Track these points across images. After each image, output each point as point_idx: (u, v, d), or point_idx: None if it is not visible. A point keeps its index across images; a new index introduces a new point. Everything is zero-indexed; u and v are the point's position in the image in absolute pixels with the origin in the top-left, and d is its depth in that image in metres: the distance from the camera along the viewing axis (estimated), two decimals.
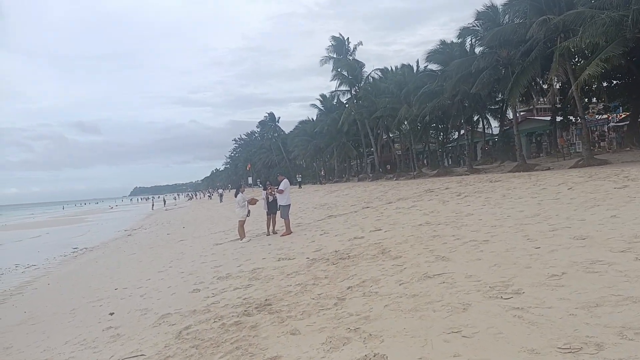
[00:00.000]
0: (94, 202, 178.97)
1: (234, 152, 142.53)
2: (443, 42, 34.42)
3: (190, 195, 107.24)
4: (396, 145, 58.00)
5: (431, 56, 34.64)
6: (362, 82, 50.68)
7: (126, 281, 9.40)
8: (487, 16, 28.92)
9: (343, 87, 52.63)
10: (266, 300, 5.51)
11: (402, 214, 11.23)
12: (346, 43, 52.21)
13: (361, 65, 51.70)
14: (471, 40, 31.98)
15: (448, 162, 48.33)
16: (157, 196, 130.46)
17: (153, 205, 65.87)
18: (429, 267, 5.46)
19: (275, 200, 12.52)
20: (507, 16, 29.17)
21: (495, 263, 5.09)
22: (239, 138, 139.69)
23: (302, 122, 72.11)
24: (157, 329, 5.33)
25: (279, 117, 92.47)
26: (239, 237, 12.88)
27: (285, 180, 11.95)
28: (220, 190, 51.63)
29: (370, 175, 51.32)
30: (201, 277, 8.01)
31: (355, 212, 13.96)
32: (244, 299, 5.81)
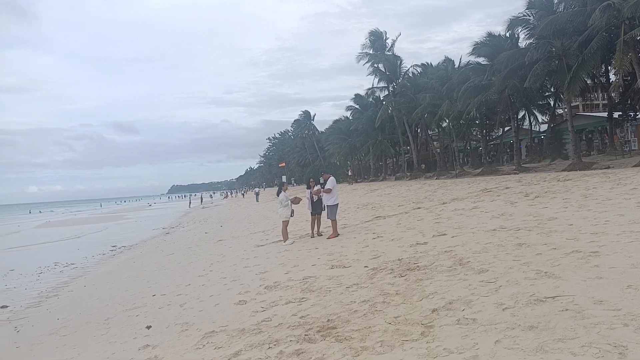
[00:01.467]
0: (134, 200, 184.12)
1: (268, 151, 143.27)
2: (490, 34, 32.69)
3: (225, 193, 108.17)
4: (434, 143, 56.20)
5: (477, 49, 32.97)
6: (401, 78, 49.21)
7: (164, 286, 8.70)
8: (540, 4, 27.10)
9: (380, 84, 51.34)
10: (328, 320, 4.58)
11: (464, 216, 10.07)
12: (384, 37, 50.80)
13: (399, 60, 50.22)
14: (519, 31, 30.20)
15: (490, 161, 46.26)
16: (194, 194, 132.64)
17: (190, 203, 66.55)
18: (533, 286, 4.37)
19: (320, 199, 11.61)
20: (562, 4, 27.28)
21: (629, 284, 3.96)
22: (272, 137, 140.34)
23: (337, 121, 71.10)
24: (201, 352, 4.48)
25: (314, 115, 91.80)
26: (281, 239, 12.07)
27: (332, 179, 11.02)
28: (256, 189, 50.66)
29: (408, 174, 49.75)
30: (246, 285, 7.17)
31: (406, 213, 12.88)
32: (300, 317, 4.90)
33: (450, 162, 49.65)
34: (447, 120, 41.74)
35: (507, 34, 31.42)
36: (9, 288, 11.45)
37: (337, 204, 10.98)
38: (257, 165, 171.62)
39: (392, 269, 6.24)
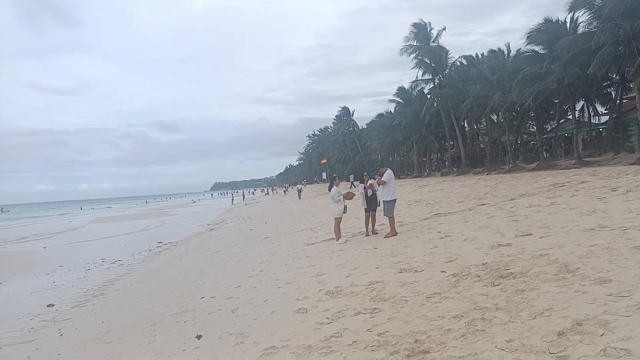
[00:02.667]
0: (178, 197, 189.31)
1: (308, 148, 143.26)
2: (547, 20, 30.48)
3: (266, 190, 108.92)
4: (480, 137, 53.88)
5: (532, 36, 30.84)
6: (447, 70, 47.28)
7: (213, 287, 8.08)
8: None
9: (425, 76, 49.60)
10: (416, 341, 3.70)
11: (544, 213, 8.88)
12: (428, 29, 49.08)
13: (445, 51, 48.31)
14: (580, 14, 27.96)
15: (545, 155, 43.67)
16: (235, 191, 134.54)
17: (233, 199, 67.17)
18: None
19: (374, 195, 10.72)
20: None
21: None
22: (312, 134, 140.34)
23: (379, 116, 69.59)
24: None
25: (353, 111, 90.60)
26: (333, 237, 11.26)
27: (389, 171, 10.08)
28: (299, 186, 49.75)
29: (455, 169, 47.82)
30: (303, 289, 6.39)
31: (470, 209, 11.74)
32: (378, 335, 4.05)
33: (499, 157, 47.36)
34: (499, 113, 39.66)
35: (565, 19, 29.29)
36: (57, 285, 11.26)
37: (395, 200, 10.04)
38: (297, 163, 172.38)
39: (479, 276, 5.27)
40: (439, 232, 9.08)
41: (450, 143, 52.47)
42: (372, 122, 76.15)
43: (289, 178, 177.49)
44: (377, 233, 10.68)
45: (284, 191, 78.81)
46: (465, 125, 53.12)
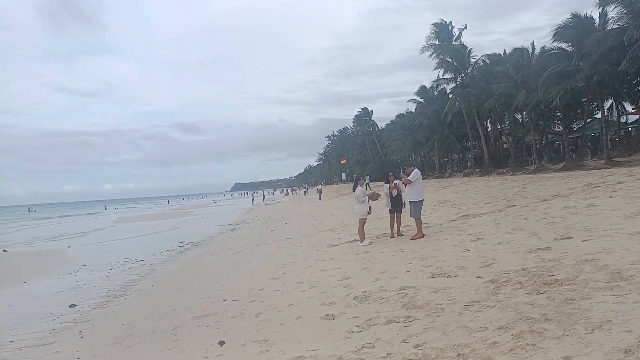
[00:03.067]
0: (200, 197, 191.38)
1: (327, 149, 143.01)
2: (575, 16, 29.52)
3: (286, 190, 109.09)
4: (503, 137, 52.75)
5: (560, 33, 29.94)
6: (470, 69, 46.39)
7: (235, 289, 7.87)
8: None
9: (447, 75, 48.84)
10: (459, 355, 3.38)
11: (582, 214, 8.39)
12: (449, 28, 48.36)
13: (468, 50, 47.43)
14: (611, 9, 26.94)
15: (572, 155, 42.50)
16: (255, 191, 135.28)
17: (253, 200, 67.44)
18: None
19: (399, 195, 10.36)
20: None
21: None
22: (332, 134, 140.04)
23: (399, 116, 68.91)
24: None
25: (372, 111, 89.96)
26: (357, 239, 10.96)
27: (417, 171, 9.71)
28: (319, 187, 49.19)
29: (477, 170, 46.87)
30: (329, 294, 6.11)
31: (500, 211, 11.27)
32: (415, 347, 3.73)
33: (523, 158, 46.27)
34: (523, 112, 38.70)
35: (593, 15, 28.33)
36: (80, 285, 11.24)
37: (422, 200, 9.67)
38: (316, 163, 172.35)
39: (520, 282, 4.89)
40: (469, 234, 8.68)
41: (473, 143, 51.46)
42: (392, 122, 75.50)
43: (309, 179, 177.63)
44: (402, 235, 10.33)
45: (304, 192, 78.68)
46: (488, 125, 52.08)
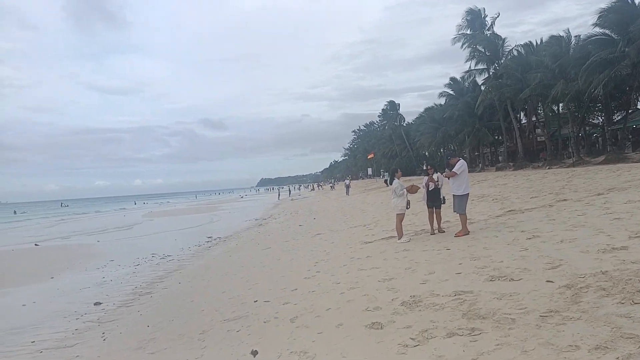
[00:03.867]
0: (227, 192, 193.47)
1: (353, 144, 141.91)
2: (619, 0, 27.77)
3: (312, 186, 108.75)
4: (537, 130, 50.78)
5: (603, 17, 28.26)
6: (503, 59, 44.67)
7: (266, 289, 7.31)
8: None
9: (479, 66, 47.23)
10: None
11: None
12: (482, 16, 46.70)
13: (501, 39, 45.73)
14: None
15: (616, 148, 40.40)
16: (281, 187, 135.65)
17: (279, 195, 67.28)
18: None
19: (436, 189, 9.61)
20: None
21: None
22: (357, 129, 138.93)
23: (428, 109, 67.34)
24: None
25: (399, 104, 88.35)
26: (393, 235, 10.28)
27: (462, 162, 8.93)
28: (346, 181, 47.97)
29: (511, 164, 45.23)
30: (372, 297, 5.46)
31: (550, 206, 10.37)
32: None
33: (558, 151, 44.36)
34: (561, 103, 36.94)
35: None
36: (106, 281, 10.95)
37: (467, 195, 8.89)
38: (342, 158, 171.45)
39: (604, 289, 4.13)
40: (522, 231, 7.86)
41: (505, 136, 49.71)
42: (420, 116, 73.93)
43: (334, 174, 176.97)
44: (443, 231, 9.59)
45: (331, 187, 78.06)
46: (521, 117, 50.20)
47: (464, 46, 46.79)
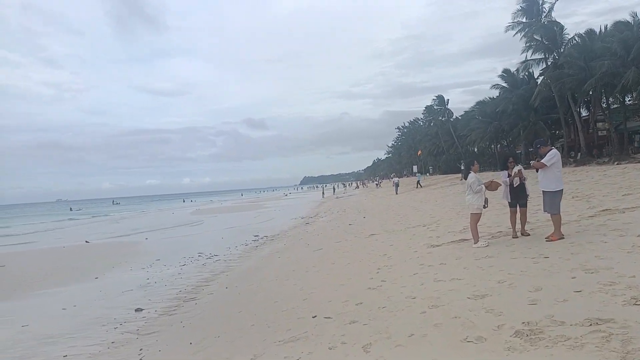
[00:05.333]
0: (271, 190, 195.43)
1: (397, 141, 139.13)
2: None
3: (356, 184, 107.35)
4: (599, 124, 47.11)
5: None
6: (563, 47, 41.59)
7: (325, 300, 6.26)
8: None
9: (536, 56, 44.23)
10: None
11: None
12: (539, 2, 43.66)
13: (560, 27, 42.63)
14: None
15: None
16: (325, 185, 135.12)
17: (324, 192, 66.45)
18: None
19: (522, 185, 8.21)
20: None
21: None
22: (402, 126, 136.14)
23: (479, 103, 64.17)
24: None
25: (448, 100, 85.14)
26: (466, 238, 8.98)
27: (554, 152, 7.50)
28: (395, 179, 45.16)
29: (571, 159, 42.08)
30: (465, 320, 4.26)
31: None
32: None
33: (624, 145, 40.76)
34: (632, 93, 33.77)
35: None
36: (150, 283, 10.31)
37: (561, 190, 7.46)
38: (385, 156, 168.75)
39: None
40: (639, 235, 6.38)
41: (565, 130, 46.44)
42: (471, 110, 70.75)
43: (377, 172, 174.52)
44: (528, 234, 8.18)
45: (376, 184, 76.37)
46: (580, 110, 46.77)
47: (519, 35, 44.08)
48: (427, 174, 79.60)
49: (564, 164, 40.72)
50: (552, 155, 7.39)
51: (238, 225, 26.42)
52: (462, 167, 43.82)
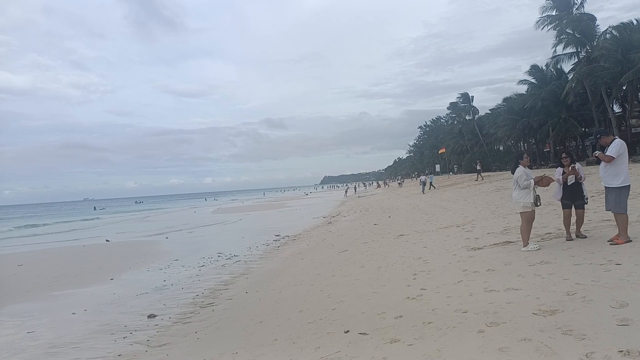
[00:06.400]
0: (292, 189, 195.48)
1: (419, 140, 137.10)
2: None
3: (377, 183, 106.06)
4: (632, 120, 44.95)
5: None
6: (596, 40, 39.76)
7: (357, 311, 5.48)
8: None
9: (567, 49, 42.46)
10: None
11: None
12: None
13: (593, 19, 40.84)
14: None
15: None
16: (346, 184, 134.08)
17: (347, 192, 65.68)
18: None
19: (577, 184, 7.26)
20: None
21: None
22: (424, 125, 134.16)
23: (506, 99, 62.32)
24: None
25: (473, 97, 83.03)
26: (510, 240, 8.08)
27: (619, 142, 6.54)
28: (422, 177, 40.31)
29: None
30: (542, 347, 3.42)
31: None
32: None
33: None
34: None
35: None
36: (167, 285, 9.71)
37: (628, 186, 6.49)
38: (406, 155, 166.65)
39: None
40: None
41: (599, 127, 44.41)
42: (496, 107, 68.87)
43: (399, 171, 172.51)
44: (585, 237, 7.22)
45: (399, 184, 75.07)
46: (614, 106, 44.77)
47: (547, 30, 42.44)
48: (450, 173, 77.75)
49: (593, 163, 38.95)
50: (618, 147, 6.44)
51: (259, 224, 25.86)
52: (479, 167, 42.20)
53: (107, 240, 21.71)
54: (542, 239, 7.84)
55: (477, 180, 37.07)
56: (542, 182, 7.28)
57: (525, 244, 7.17)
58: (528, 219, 7.21)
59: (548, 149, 57.58)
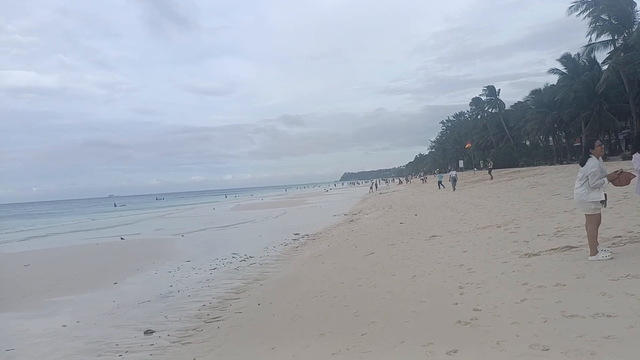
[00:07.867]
0: (312, 186, 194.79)
1: (442, 135, 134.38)
2: None
3: (399, 180, 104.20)
4: None
5: None
6: (635, 27, 37.37)
7: (395, 339, 4.32)
8: None
9: (603, 37, 40.10)
10: None
11: None
12: None
13: (631, 4, 38.45)
14: None
15: None
16: (366, 181, 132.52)
17: (371, 188, 64.50)
18: None
19: None
20: None
21: None
22: (446, 120, 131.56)
23: (534, 92, 59.84)
24: None
25: (499, 90, 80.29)
26: (573, 246, 6.78)
27: None
28: (452, 173, 35.09)
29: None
30: None
31: None
32: None
33: None
34: None
35: None
36: (172, 292, 8.72)
37: None
38: (428, 151, 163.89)
39: None
40: None
41: (634, 121, 42.02)
42: (524, 101, 66.40)
43: (420, 167, 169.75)
44: None
45: (422, 180, 73.24)
46: None
47: (584, 16, 40.13)
48: (475, 169, 75.49)
49: (625, 157, 36.61)
50: None
51: (278, 222, 24.88)
52: (490, 166, 40.25)
53: (121, 238, 21.05)
54: (612, 244, 6.51)
55: (491, 178, 35.51)
56: (620, 180, 5.93)
57: (594, 252, 5.87)
58: (598, 222, 5.90)
59: (578, 144, 55.02)
